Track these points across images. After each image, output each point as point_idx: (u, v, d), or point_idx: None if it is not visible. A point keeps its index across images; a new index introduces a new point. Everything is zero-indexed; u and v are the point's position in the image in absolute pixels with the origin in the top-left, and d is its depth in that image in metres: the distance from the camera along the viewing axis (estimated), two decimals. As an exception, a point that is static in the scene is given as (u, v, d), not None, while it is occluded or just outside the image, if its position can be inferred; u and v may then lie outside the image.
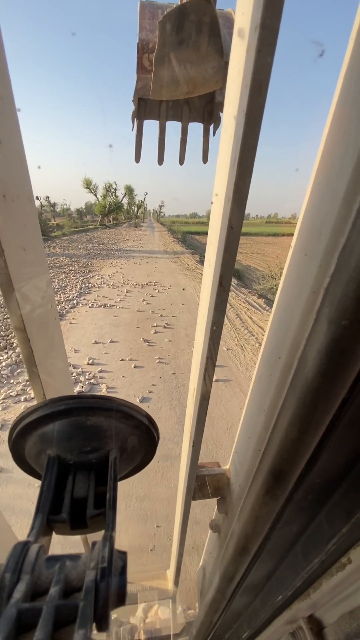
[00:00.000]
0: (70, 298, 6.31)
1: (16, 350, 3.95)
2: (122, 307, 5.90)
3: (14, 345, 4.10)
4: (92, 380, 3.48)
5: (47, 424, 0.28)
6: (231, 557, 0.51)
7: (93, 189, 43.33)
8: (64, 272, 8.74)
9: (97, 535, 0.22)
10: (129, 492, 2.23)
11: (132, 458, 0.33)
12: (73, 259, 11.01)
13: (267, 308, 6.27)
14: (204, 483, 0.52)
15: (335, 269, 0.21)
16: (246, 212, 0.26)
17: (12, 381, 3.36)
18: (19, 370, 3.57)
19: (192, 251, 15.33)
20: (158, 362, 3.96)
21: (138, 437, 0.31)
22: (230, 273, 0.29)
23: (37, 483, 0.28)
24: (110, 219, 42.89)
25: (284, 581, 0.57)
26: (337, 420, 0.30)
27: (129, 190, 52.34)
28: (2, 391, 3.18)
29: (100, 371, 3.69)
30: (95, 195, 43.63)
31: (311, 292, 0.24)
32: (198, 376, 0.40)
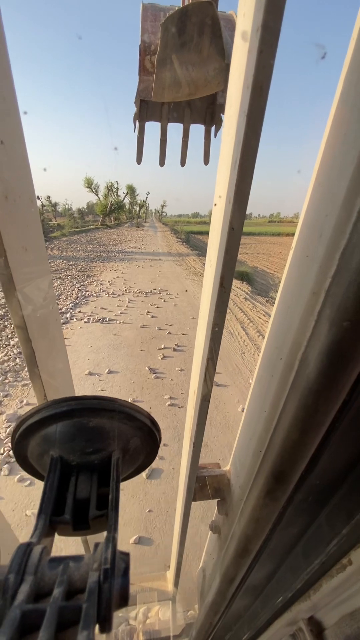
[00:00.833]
0: (63, 311, 5.32)
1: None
2: (124, 322, 5.03)
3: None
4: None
5: (49, 425, 0.28)
6: (231, 559, 0.51)
7: (94, 189, 43.29)
8: (60, 277, 7.81)
9: (98, 537, 0.22)
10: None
11: (134, 459, 0.33)
12: (71, 262, 10.08)
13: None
14: (204, 484, 0.52)
15: (336, 270, 0.21)
16: (248, 212, 0.26)
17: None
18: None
19: (197, 252, 14.31)
20: (170, 405, 3.03)
21: (140, 438, 0.31)
22: (231, 274, 0.29)
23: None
24: (112, 218, 42.84)
25: (285, 583, 0.57)
26: (337, 421, 0.30)
27: (131, 190, 52.26)
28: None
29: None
30: (97, 194, 43.60)
31: (312, 293, 0.24)
32: (199, 377, 0.40)
